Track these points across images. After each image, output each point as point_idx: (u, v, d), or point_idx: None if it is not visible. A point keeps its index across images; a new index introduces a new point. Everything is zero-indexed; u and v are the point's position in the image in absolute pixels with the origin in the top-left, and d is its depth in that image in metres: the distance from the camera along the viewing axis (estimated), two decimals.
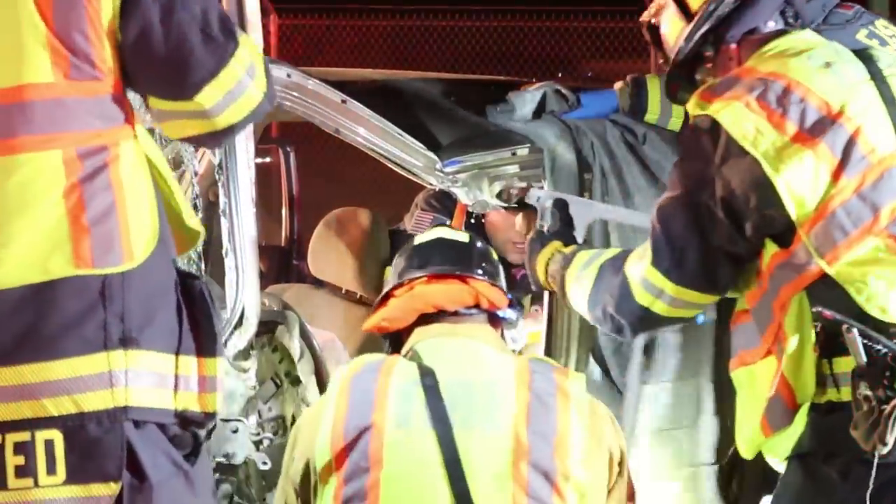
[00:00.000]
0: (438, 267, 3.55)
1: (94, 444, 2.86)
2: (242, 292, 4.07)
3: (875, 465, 3.06)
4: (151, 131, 3.18)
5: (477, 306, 3.51)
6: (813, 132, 3.20)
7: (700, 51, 3.48)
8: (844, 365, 3.17)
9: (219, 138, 3.08)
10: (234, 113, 2.99)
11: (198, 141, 3.13)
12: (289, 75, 4.40)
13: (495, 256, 3.70)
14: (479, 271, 3.56)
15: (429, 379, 3.32)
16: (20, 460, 2.86)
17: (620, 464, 3.38)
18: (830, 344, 3.18)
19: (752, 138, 3.21)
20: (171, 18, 2.90)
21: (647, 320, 3.45)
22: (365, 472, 3.23)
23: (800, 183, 3.18)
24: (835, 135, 3.20)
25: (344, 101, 4.49)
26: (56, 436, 2.86)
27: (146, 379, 2.90)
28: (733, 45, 3.46)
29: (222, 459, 4.02)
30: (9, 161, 2.87)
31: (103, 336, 2.87)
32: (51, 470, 2.86)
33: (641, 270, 3.41)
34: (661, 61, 3.64)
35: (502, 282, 3.64)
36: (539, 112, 4.61)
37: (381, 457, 3.25)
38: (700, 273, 3.33)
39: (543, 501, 3.23)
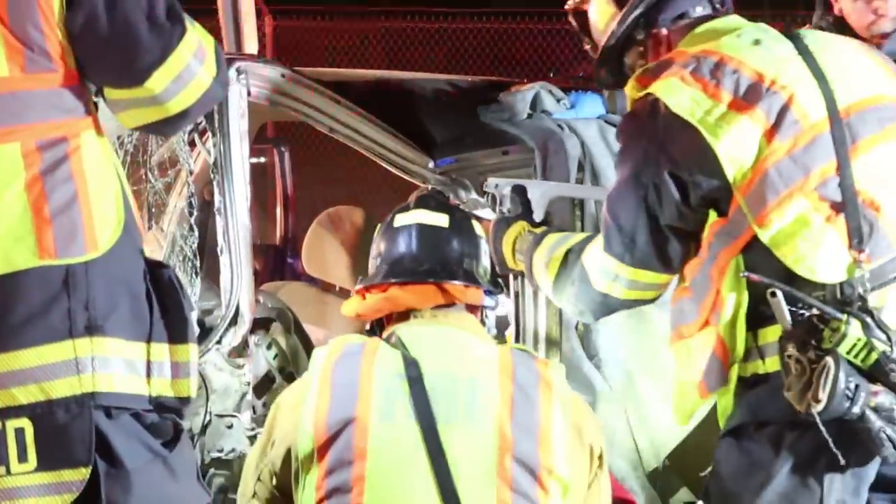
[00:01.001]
0: (412, 270, 3.51)
1: (62, 430, 2.88)
2: (237, 290, 4.08)
3: (809, 424, 3.11)
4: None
5: (452, 303, 3.50)
6: (747, 99, 3.27)
7: (632, 35, 3.54)
8: (769, 336, 3.24)
9: (174, 125, 3.07)
10: (186, 98, 3.00)
11: (155, 129, 3.13)
12: (283, 75, 4.40)
13: (477, 232, 3.65)
14: (457, 270, 3.53)
15: (413, 370, 3.31)
16: None
17: (600, 458, 3.39)
18: (754, 315, 3.25)
19: (689, 108, 3.28)
20: (116, 5, 2.92)
21: (606, 305, 3.51)
22: (349, 464, 3.22)
23: (737, 148, 3.25)
24: (769, 101, 3.27)
25: (338, 101, 4.50)
26: (26, 424, 2.88)
27: (115, 365, 2.92)
28: (664, 30, 3.53)
29: (217, 454, 4.03)
30: None
31: (69, 324, 2.89)
32: (22, 458, 2.88)
33: (596, 257, 3.46)
34: (587, 46, 3.70)
35: (483, 262, 3.62)
36: (531, 112, 4.63)
37: (366, 450, 3.23)
38: (652, 253, 3.39)
39: (528, 496, 3.22)
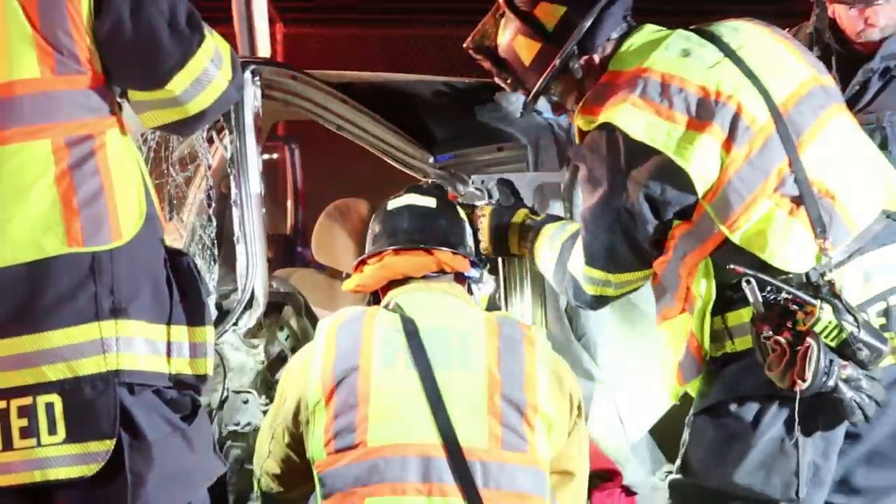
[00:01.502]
0: (406, 237, 3.61)
1: (89, 405, 2.89)
2: (252, 276, 4.08)
3: (784, 397, 3.19)
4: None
5: (442, 271, 3.58)
6: (701, 116, 3.27)
7: (566, 65, 3.50)
8: (738, 317, 3.28)
9: (192, 125, 3.08)
10: (203, 99, 3.01)
11: (174, 129, 3.14)
12: (294, 77, 4.40)
13: (461, 215, 3.74)
14: (444, 240, 3.61)
15: (410, 326, 3.39)
16: (24, 422, 2.89)
17: (579, 407, 3.46)
18: (721, 301, 3.29)
19: (648, 134, 3.27)
20: (140, 13, 2.93)
21: (602, 302, 3.56)
22: (353, 407, 3.29)
23: (705, 166, 3.26)
24: (721, 114, 3.27)
25: (345, 101, 4.50)
26: (55, 399, 2.89)
27: (138, 346, 2.93)
28: (595, 56, 3.50)
29: (234, 427, 4.03)
30: (1, 151, 2.90)
31: (95, 307, 2.89)
32: (52, 430, 2.89)
33: (582, 270, 3.49)
34: (503, 80, 3.66)
35: (467, 240, 3.69)
36: (523, 111, 4.62)
37: (369, 394, 3.30)
38: (633, 259, 3.42)
39: (516, 430, 3.30)
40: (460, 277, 3.63)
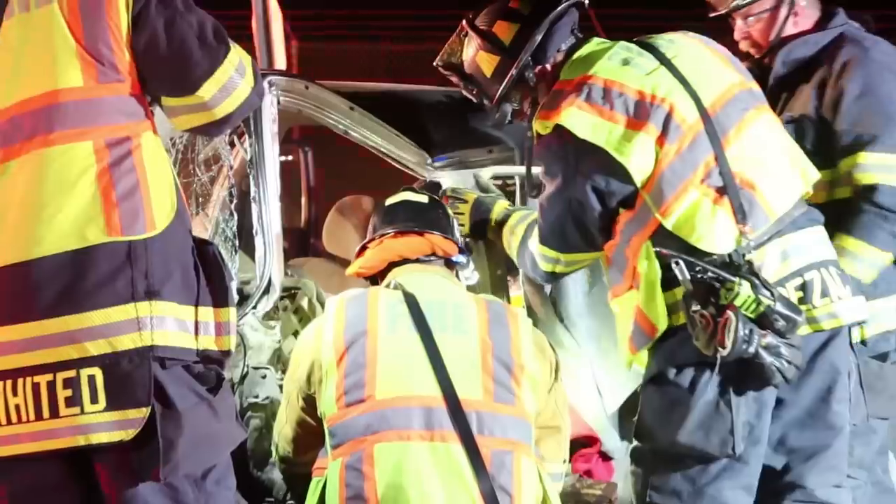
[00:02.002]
0: (402, 224, 3.72)
1: (127, 376, 2.94)
2: (270, 264, 4.11)
3: (715, 364, 3.30)
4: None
5: (434, 254, 3.69)
6: (639, 117, 3.37)
7: (522, 75, 3.58)
8: (673, 296, 3.37)
9: (219, 127, 3.14)
10: (229, 104, 3.07)
11: (203, 131, 3.21)
12: (307, 87, 4.44)
13: (450, 212, 3.86)
14: (435, 227, 3.73)
15: (410, 298, 3.50)
16: (68, 393, 2.94)
17: (556, 371, 3.59)
18: (661, 282, 3.38)
19: (592, 133, 3.36)
20: (173, 29, 2.99)
21: (555, 277, 3.71)
22: (362, 367, 3.40)
23: (642, 160, 3.36)
24: (656, 114, 3.38)
25: (352, 108, 4.53)
26: (97, 372, 2.94)
27: (169, 324, 2.98)
28: (548, 66, 3.58)
29: (253, 399, 4.06)
30: (49, 152, 2.96)
31: (131, 290, 2.95)
32: (94, 399, 2.94)
33: (537, 250, 3.62)
34: (469, 92, 3.74)
35: (455, 233, 3.80)
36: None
37: (376, 355, 3.41)
38: (581, 242, 3.53)
39: (506, 385, 3.42)
40: (450, 263, 3.73)
